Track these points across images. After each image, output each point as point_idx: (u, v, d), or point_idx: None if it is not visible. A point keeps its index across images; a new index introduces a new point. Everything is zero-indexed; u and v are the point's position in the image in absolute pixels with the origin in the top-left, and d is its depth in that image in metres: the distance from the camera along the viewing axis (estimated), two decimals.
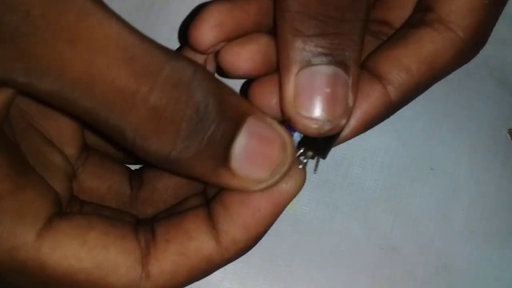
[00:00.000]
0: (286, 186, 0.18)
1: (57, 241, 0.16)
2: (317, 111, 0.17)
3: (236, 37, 0.19)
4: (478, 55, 0.29)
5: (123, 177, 0.23)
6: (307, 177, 0.27)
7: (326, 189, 0.27)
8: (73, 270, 0.16)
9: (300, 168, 0.18)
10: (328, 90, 0.17)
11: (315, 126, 0.17)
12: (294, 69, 0.17)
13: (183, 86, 0.15)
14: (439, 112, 0.28)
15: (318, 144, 0.19)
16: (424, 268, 0.26)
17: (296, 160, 0.21)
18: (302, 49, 0.17)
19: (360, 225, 0.27)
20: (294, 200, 0.26)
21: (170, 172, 0.21)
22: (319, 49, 0.17)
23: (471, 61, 0.29)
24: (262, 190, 0.17)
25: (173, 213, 0.19)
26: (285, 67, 0.17)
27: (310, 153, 0.20)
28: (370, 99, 0.19)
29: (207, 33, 0.19)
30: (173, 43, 0.28)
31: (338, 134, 0.19)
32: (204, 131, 0.15)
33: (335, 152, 0.27)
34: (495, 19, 0.20)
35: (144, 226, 0.18)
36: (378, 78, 0.19)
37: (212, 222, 0.18)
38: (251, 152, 0.16)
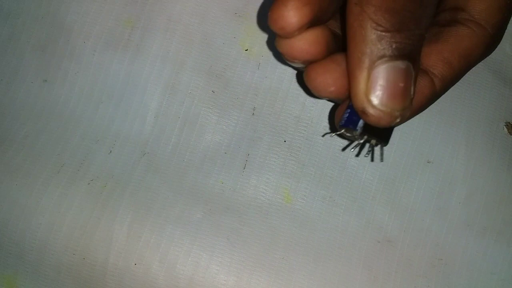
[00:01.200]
0: None
1: None
2: (391, 104, 0.18)
3: (318, 19, 0.19)
4: None
5: None
6: (304, 170, 0.27)
7: (322, 182, 0.27)
8: None
9: None
10: (402, 84, 0.18)
11: (389, 118, 0.18)
12: (370, 63, 0.18)
13: None
14: (436, 104, 0.28)
15: (380, 132, 0.20)
16: (420, 261, 0.26)
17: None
18: (380, 42, 0.17)
19: (357, 218, 0.27)
20: (291, 193, 0.27)
21: None
22: (397, 44, 0.17)
23: None
24: None
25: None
26: (361, 60, 0.18)
27: (373, 141, 0.21)
28: (420, 90, 0.20)
29: (294, 13, 0.18)
30: (170, 34, 0.28)
31: None
32: None
33: (332, 144, 0.27)
34: (511, 16, 0.22)
35: None
36: (424, 71, 0.20)
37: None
38: None
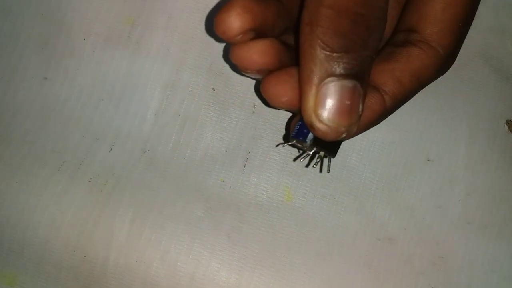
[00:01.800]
0: None
1: None
2: (337, 120, 0.19)
3: (260, 29, 0.20)
4: (477, 44, 0.29)
5: None
6: (305, 169, 0.27)
7: (323, 180, 0.27)
8: None
9: None
10: (348, 102, 0.19)
11: (335, 133, 0.19)
12: (319, 80, 0.19)
13: None
14: (437, 102, 0.28)
15: (329, 145, 0.21)
16: (420, 259, 0.26)
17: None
18: (328, 62, 0.18)
19: (357, 216, 0.27)
20: (291, 191, 0.27)
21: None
22: (344, 64, 0.18)
23: (470, 50, 0.29)
24: None
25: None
26: (310, 77, 0.19)
27: (322, 153, 0.22)
28: (371, 106, 0.21)
29: (235, 19, 0.19)
30: (170, 32, 0.28)
31: None
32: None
33: None
34: (464, 38, 0.22)
35: None
36: (376, 88, 0.21)
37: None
38: None
